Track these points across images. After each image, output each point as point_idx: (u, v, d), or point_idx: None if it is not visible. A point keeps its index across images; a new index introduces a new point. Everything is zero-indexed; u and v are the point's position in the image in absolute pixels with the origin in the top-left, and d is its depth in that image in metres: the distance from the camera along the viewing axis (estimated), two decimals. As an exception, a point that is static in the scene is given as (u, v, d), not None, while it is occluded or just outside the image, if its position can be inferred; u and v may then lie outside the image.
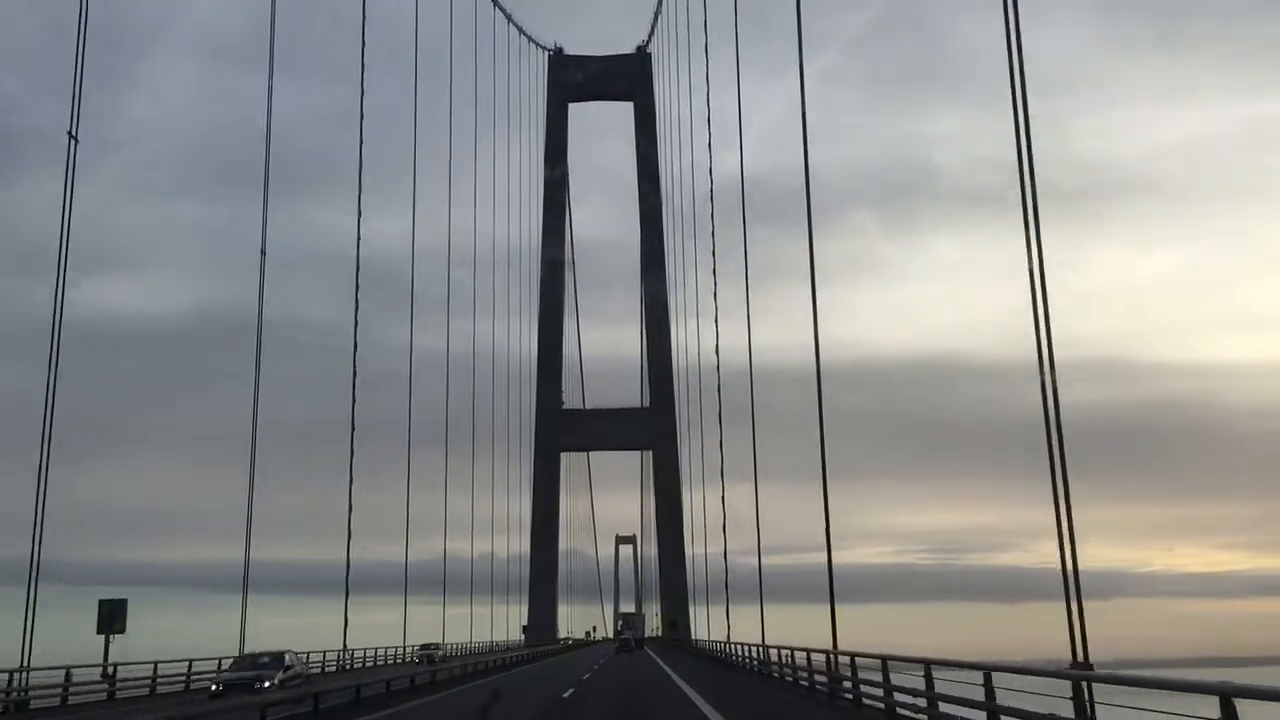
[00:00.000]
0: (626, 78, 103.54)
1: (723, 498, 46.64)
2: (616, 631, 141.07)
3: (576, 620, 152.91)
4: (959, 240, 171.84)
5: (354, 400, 45.82)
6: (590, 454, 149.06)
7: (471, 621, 67.52)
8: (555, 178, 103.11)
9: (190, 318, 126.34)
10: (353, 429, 44.96)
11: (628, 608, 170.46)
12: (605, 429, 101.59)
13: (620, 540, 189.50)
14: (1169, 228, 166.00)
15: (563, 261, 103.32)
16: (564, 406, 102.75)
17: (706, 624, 65.09)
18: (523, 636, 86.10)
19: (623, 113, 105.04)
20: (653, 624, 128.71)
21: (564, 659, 62.77)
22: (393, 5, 64.09)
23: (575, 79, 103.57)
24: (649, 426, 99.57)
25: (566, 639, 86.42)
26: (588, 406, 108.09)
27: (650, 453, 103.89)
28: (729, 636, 48.18)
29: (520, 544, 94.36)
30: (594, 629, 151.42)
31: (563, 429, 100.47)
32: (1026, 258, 17.15)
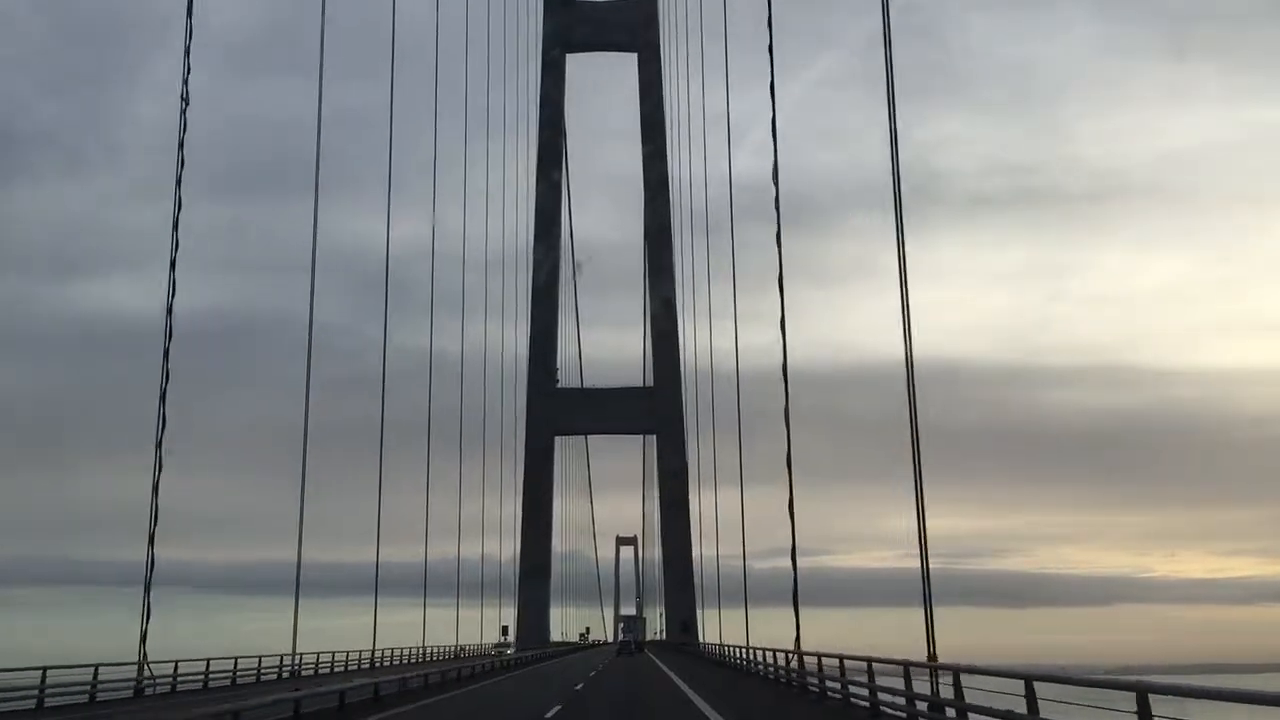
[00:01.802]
0: (630, 24, 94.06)
1: (790, 483, 35.95)
2: (618, 635, 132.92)
3: (575, 623, 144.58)
4: (961, 244, 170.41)
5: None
6: (589, 458, 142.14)
7: (425, 625, 55.97)
8: (552, 135, 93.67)
9: (200, 318, 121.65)
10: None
11: (628, 611, 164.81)
12: (604, 410, 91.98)
13: (621, 541, 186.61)
14: (1173, 232, 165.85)
15: (559, 224, 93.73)
16: (559, 385, 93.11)
17: (745, 627, 54.82)
18: (502, 638, 75.01)
19: (626, 104, 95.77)
20: (655, 627, 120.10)
21: (517, 681, 40.71)
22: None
23: (573, 25, 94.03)
24: (653, 408, 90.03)
25: (501, 647, 70.04)
26: (586, 386, 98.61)
27: (654, 438, 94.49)
28: (799, 642, 29.26)
29: (508, 548, 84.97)
30: (587, 630, 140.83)
31: (557, 409, 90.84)
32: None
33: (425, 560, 49.50)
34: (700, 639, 75.93)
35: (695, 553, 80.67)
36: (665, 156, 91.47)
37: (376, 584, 42.47)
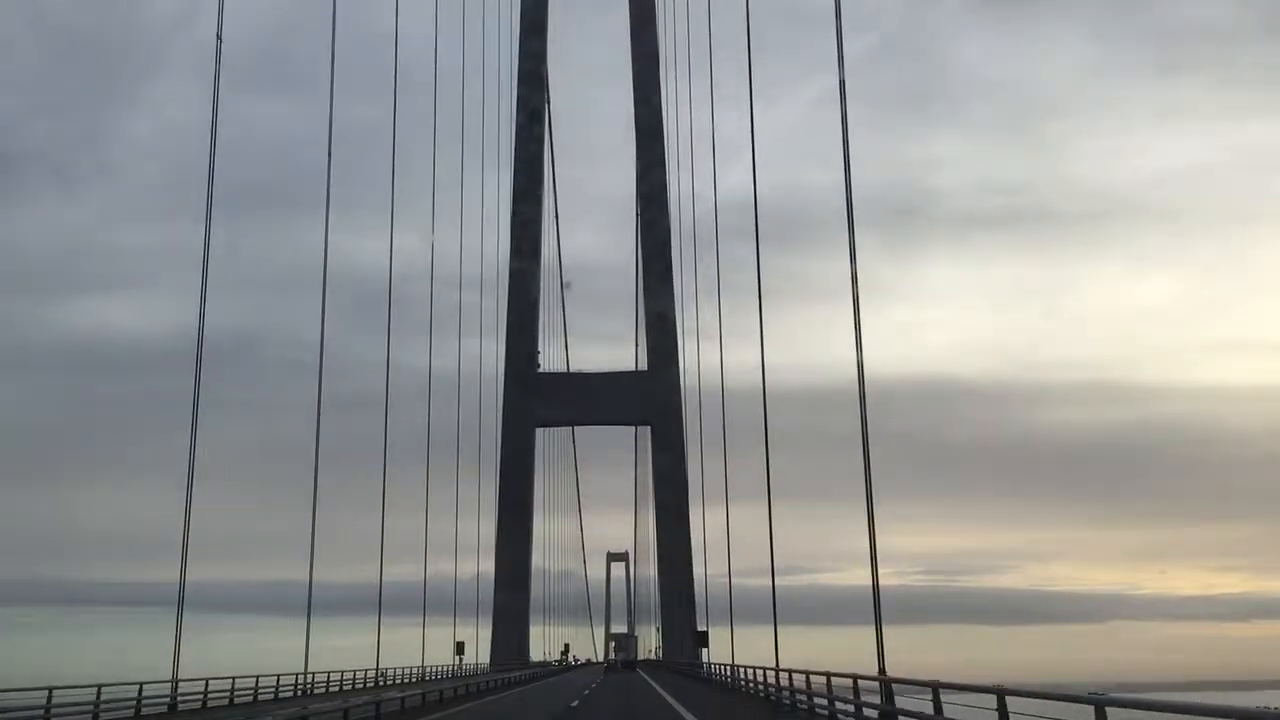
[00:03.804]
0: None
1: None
2: (609, 653, 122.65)
3: (562, 641, 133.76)
4: (957, 263, 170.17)
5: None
6: (577, 465, 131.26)
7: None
8: (532, 57, 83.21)
9: (185, 338, 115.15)
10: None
11: (619, 629, 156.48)
12: (592, 398, 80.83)
13: (612, 558, 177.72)
14: (1166, 251, 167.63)
15: (541, 178, 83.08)
16: (540, 370, 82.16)
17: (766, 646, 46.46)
18: (457, 658, 61.84)
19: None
20: (649, 645, 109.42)
21: None
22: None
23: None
24: (647, 394, 79.15)
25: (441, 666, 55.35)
26: (572, 370, 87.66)
27: (648, 434, 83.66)
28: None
29: (485, 562, 74.49)
30: (567, 648, 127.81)
31: (538, 398, 79.87)
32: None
33: (310, 575, 37.37)
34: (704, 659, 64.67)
35: (697, 553, 70.01)
36: (659, 103, 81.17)
37: (175, 604, 31.17)
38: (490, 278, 74.47)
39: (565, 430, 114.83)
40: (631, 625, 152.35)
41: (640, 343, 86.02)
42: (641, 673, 77.32)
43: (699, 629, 54.99)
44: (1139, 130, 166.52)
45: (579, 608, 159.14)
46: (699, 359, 61.18)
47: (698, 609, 70.06)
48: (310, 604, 35.54)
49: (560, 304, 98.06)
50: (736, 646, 51.02)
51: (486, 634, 74.52)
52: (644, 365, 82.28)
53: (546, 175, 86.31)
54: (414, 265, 60.74)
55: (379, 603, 41.19)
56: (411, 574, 56.22)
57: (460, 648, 59.40)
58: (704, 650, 52.83)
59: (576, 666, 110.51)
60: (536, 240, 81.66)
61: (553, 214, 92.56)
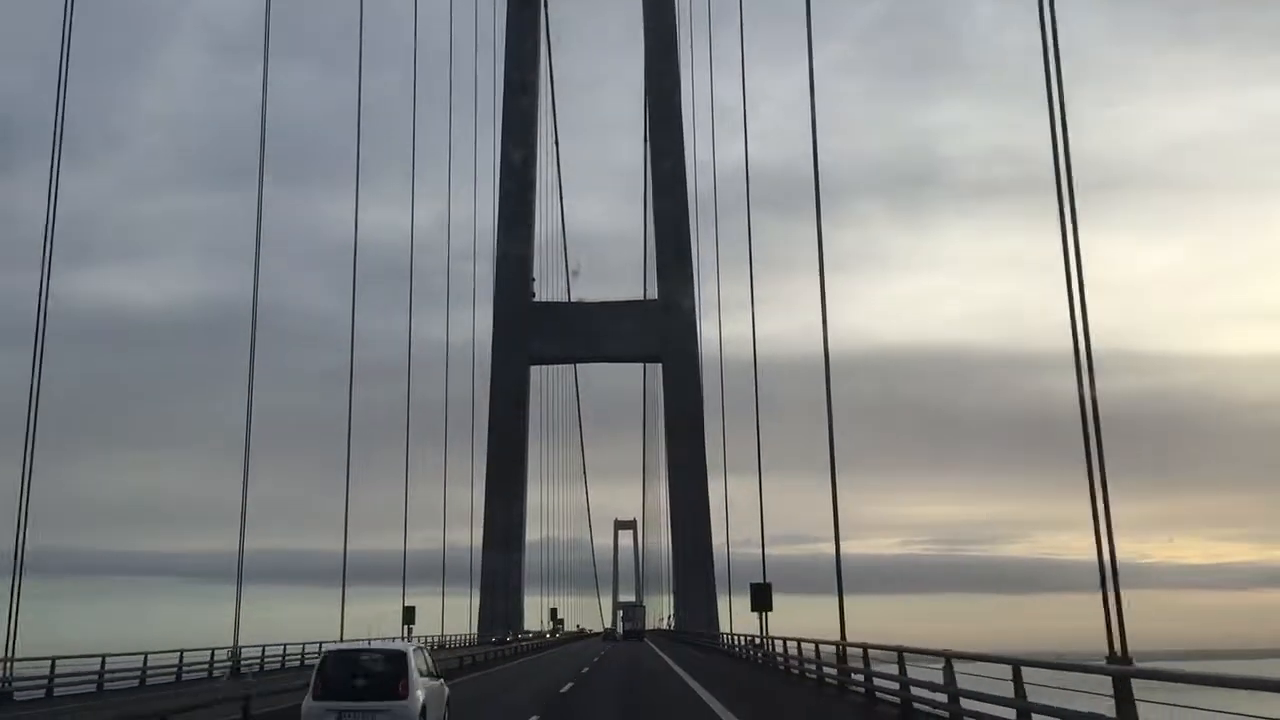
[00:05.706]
0: None
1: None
2: (616, 623, 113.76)
3: (571, 613, 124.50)
4: (967, 231, 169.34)
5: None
6: (581, 427, 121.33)
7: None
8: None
9: (190, 309, 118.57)
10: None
11: (628, 599, 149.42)
12: (596, 331, 70.44)
13: (619, 525, 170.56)
14: (1177, 220, 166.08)
15: (536, 84, 72.39)
16: (535, 299, 71.76)
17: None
18: (407, 631, 49.62)
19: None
20: (660, 614, 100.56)
21: None
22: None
23: None
24: (659, 326, 68.82)
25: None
26: (573, 299, 77.05)
27: (660, 366, 73.32)
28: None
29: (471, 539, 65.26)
30: (554, 614, 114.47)
31: (534, 330, 69.54)
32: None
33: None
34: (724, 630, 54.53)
35: (715, 510, 60.14)
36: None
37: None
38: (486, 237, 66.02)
39: (569, 394, 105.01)
40: (640, 595, 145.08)
41: (649, 237, 75.54)
42: (651, 643, 67.53)
43: (761, 586, 39.55)
44: (1152, 98, 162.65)
45: (586, 576, 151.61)
46: (754, 326, 53.31)
47: (749, 566, 59.99)
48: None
49: (561, 232, 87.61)
50: (782, 617, 40.42)
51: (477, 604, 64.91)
52: (655, 291, 71.93)
53: (544, 101, 75.93)
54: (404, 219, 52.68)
55: (239, 571, 31.93)
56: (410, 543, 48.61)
57: (409, 614, 47.96)
58: (764, 616, 38.91)
59: (564, 639, 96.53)
60: (531, 153, 71.11)
61: (552, 139, 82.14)
